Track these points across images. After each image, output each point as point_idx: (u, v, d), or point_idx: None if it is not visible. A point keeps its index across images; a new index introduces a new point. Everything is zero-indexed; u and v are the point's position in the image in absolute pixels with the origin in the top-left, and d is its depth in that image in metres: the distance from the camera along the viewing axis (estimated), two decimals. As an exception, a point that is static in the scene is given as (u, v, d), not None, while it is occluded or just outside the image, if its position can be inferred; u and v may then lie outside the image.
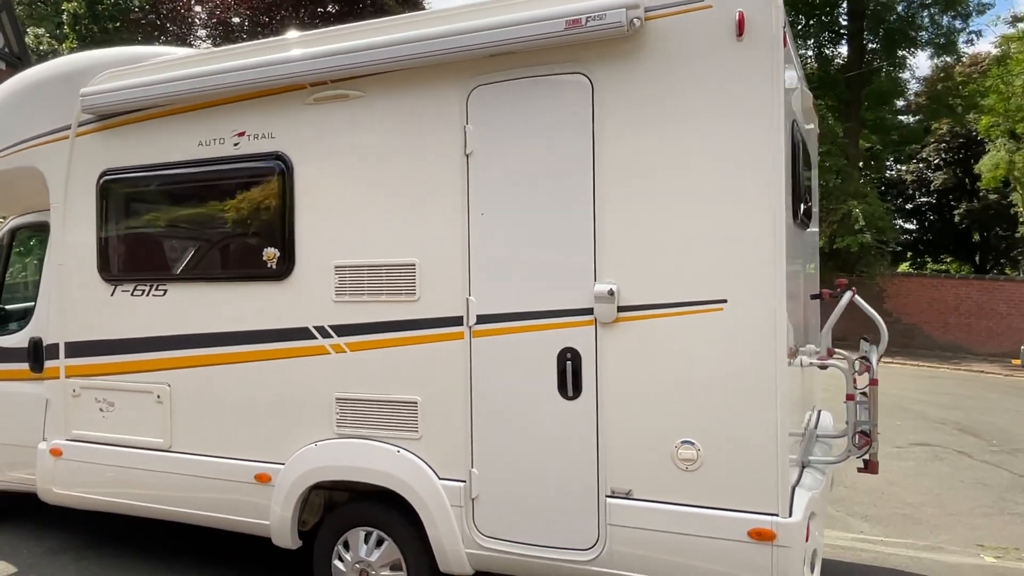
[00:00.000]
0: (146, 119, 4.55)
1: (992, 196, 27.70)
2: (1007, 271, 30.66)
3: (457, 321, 3.72)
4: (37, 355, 5.09)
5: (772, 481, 3.15)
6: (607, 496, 3.42)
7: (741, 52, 3.17)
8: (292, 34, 4.27)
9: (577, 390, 3.46)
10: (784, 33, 3.19)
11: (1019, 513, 6.30)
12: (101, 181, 4.67)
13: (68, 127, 4.79)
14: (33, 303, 5.43)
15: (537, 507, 3.57)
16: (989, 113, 21.60)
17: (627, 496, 3.39)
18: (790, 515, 3.16)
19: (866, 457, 3.71)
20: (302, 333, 4.09)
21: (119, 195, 4.67)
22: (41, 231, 5.44)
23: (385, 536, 3.95)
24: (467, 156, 3.68)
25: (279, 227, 4.15)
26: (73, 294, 4.80)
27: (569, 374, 3.47)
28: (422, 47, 3.67)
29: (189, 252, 4.52)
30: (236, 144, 4.26)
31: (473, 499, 3.68)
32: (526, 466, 3.59)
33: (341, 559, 4.05)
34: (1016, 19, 21.74)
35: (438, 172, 3.75)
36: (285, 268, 4.12)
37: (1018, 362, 17.40)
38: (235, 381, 4.27)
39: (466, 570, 3.74)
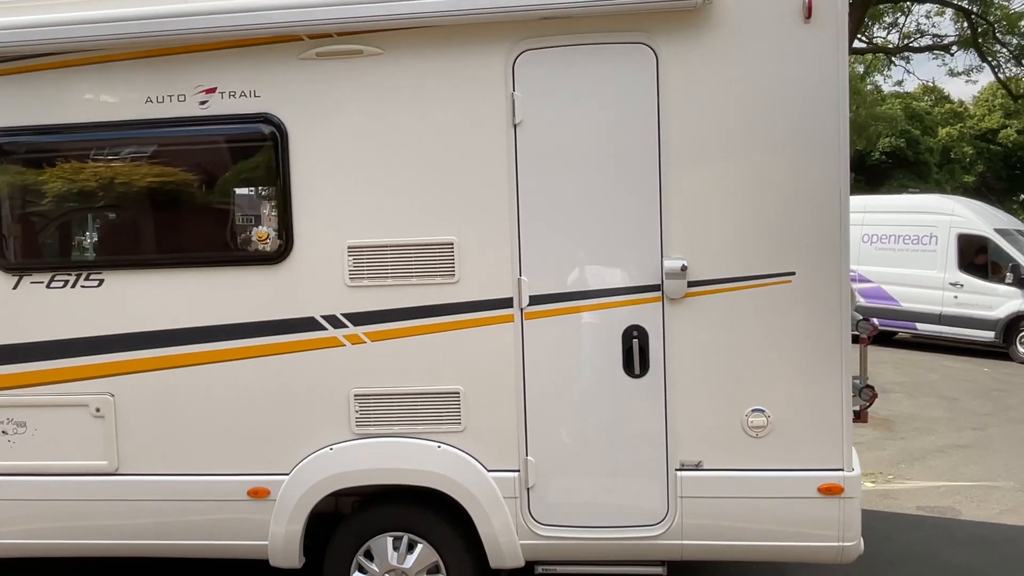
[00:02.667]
0: (53, 67, 3.63)
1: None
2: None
3: (505, 303, 3.48)
4: None
5: (838, 439, 3.39)
6: (676, 470, 3.45)
7: (808, 33, 3.28)
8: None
9: (644, 367, 3.43)
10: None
11: (862, 443, 7.37)
12: (-10, 144, 3.67)
13: (-72, 72, 3.67)
14: None
15: (600, 488, 3.50)
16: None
17: (697, 467, 3.45)
18: (853, 469, 3.42)
19: (856, 408, 4.10)
20: (306, 324, 3.58)
21: (22, 161, 3.70)
22: None
23: (418, 539, 3.63)
24: (515, 126, 3.42)
25: (273, 203, 3.57)
26: (-53, 289, 3.74)
27: (636, 352, 3.42)
28: (464, 3, 3.33)
29: (136, 234, 3.73)
30: (204, 103, 3.57)
31: (529, 488, 3.51)
32: (587, 448, 3.49)
33: (363, 570, 3.66)
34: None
35: (480, 142, 3.45)
36: (281, 250, 3.56)
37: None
38: (212, 385, 3.63)
39: (519, 563, 3.57)
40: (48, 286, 3.68)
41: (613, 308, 3.44)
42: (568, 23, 3.37)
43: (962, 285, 12.72)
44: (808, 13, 3.26)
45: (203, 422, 3.65)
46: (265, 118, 3.53)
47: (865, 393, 3.92)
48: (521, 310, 3.47)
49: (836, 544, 3.41)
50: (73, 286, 3.67)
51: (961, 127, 34.43)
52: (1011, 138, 33.57)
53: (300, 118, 3.52)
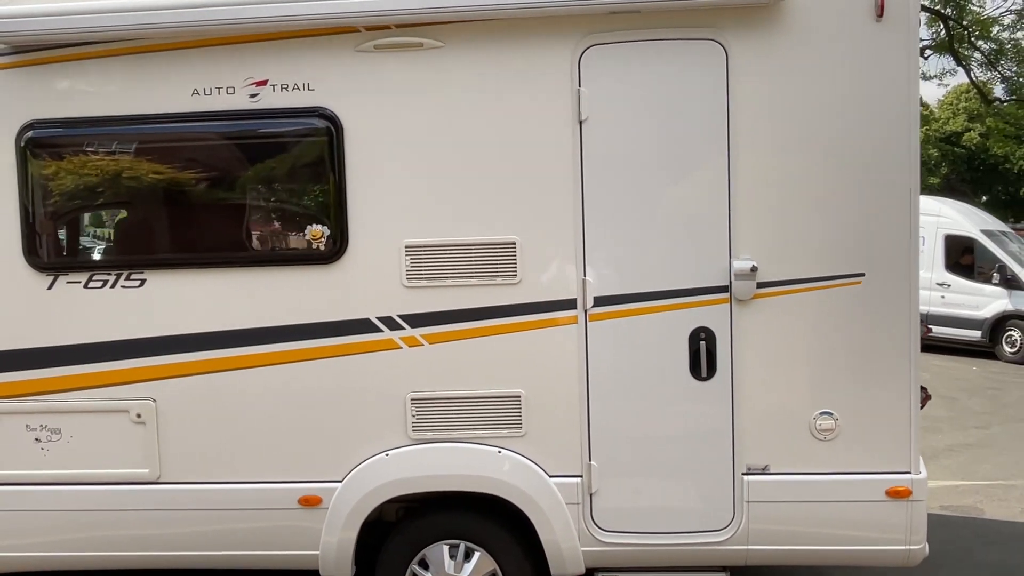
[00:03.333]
0: (94, 56, 3.46)
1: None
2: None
3: (569, 304, 3.40)
4: None
5: (906, 441, 3.36)
6: (743, 474, 3.39)
7: (880, 32, 3.24)
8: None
9: (712, 370, 3.36)
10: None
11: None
12: (25, 137, 3.48)
13: (-44, 60, 3.48)
14: None
15: (663, 494, 3.44)
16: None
17: (763, 471, 3.39)
18: (920, 472, 3.40)
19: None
20: (360, 326, 3.45)
21: (59, 155, 3.52)
22: None
23: (475, 547, 3.53)
24: (581, 123, 3.34)
25: (327, 201, 3.44)
26: (-24, 289, 3.55)
27: (703, 354, 3.35)
28: (528, -4, 3.23)
29: (181, 232, 3.57)
30: (254, 96, 3.42)
31: (592, 494, 3.43)
32: (652, 453, 3.42)
33: (418, 580, 3.56)
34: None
35: (543, 139, 3.36)
36: (335, 250, 3.43)
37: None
38: (260, 389, 3.49)
39: (580, 570, 3.49)
40: (86, 286, 3.51)
41: (680, 310, 3.37)
42: (636, 18, 3.29)
43: (949, 285, 12.90)
44: (880, 12, 3.22)
45: (251, 428, 3.51)
46: (319, 112, 3.40)
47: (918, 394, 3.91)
48: (585, 311, 3.39)
49: (903, 548, 3.38)
50: (113, 286, 3.51)
51: (926, 130, 35.10)
52: (974, 141, 34.29)
53: (356, 112, 3.39)
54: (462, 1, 3.25)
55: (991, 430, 7.99)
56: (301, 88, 3.41)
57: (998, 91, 24.88)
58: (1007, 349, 12.46)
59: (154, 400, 3.52)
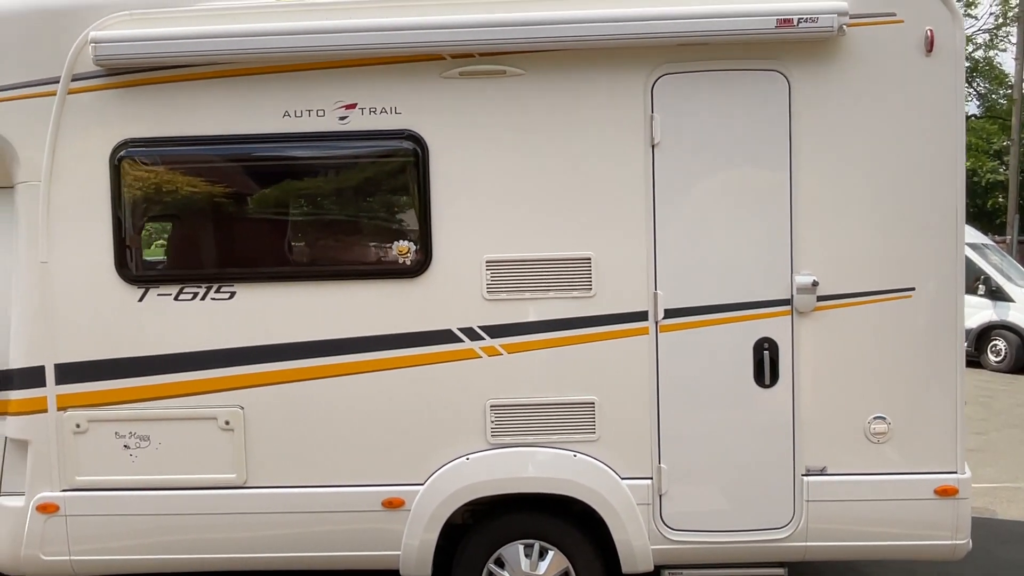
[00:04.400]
0: (188, 79, 3.63)
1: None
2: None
3: (640, 316, 3.61)
4: (-16, 383, 3.82)
5: (953, 443, 3.61)
6: (802, 475, 3.63)
7: (930, 66, 3.52)
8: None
9: (774, 378, 3.60)
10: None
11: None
12: (120, 154, 3.63)
13: (54, 80, 3.62)
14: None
15: (728, 494, 3.66)
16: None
17: (821, 472, 3.63)
18: (965, 472, 3.65)
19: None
20: (443, 336, 3.64)
21: (151, 172, 3.67)
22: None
23: (549, 546, 3.73)
24: (653, 146, 3.57)
25: (412, 217, 3.63)
26: (69, 301, 3.68)
27: (767, 363, 3.59)
28: (608, 28, 3.46)
29: (271, 247, 3.74)
30: (343, 119, 3.61)
31: (661, 495, 3.64)
32: (718, 456, 3.64)
33: (495, 578, 3.74)
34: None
35: (618, 161, 3.59)
36: (420, 264, 3.62)
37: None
38: (346, 396, 3.66)
39: (650, 567, 3.70)
40: (176, 298, 3.66)
41: (745, 321, 3.60)
42: (705, 50, 3.53)
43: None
44: (930, 47, 3.50)
45: (336, 434, 3.68)
46: (406, 134, 3.59)
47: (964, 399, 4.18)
48: (656, 323, 3.61)
49: (949, 543, 3.63)
50: (203, 299, 3.66)
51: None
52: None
53: (441, 134, 3.59)
54: (543, 32, 3.47)
55: (988, 436, 8.33)
56: (389, 111, 3.60)
57: (972, 108, 25.65)
58: (992, 358, 12.90)
59: (242, 408, 3.67)
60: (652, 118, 3.56)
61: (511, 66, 3.56)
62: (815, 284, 3.54)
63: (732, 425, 3.64)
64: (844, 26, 3.44)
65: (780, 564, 3.75)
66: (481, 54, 3.55)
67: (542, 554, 3.73)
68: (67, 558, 3.74)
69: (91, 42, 3.51)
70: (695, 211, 3.60)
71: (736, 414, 3.63)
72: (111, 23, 3.57)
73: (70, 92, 3.62)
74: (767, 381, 3.60)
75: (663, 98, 3.56)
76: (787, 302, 3.58)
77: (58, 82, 3.61)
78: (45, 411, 3.70)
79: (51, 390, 3.69)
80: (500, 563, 3.74)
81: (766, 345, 3.59)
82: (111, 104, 3.63)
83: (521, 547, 3.73)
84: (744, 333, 3.61)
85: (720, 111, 3.57)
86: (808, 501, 3.62)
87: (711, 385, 3.63)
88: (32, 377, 3.70)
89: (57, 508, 3.70)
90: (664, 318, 3.61)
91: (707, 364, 3.63)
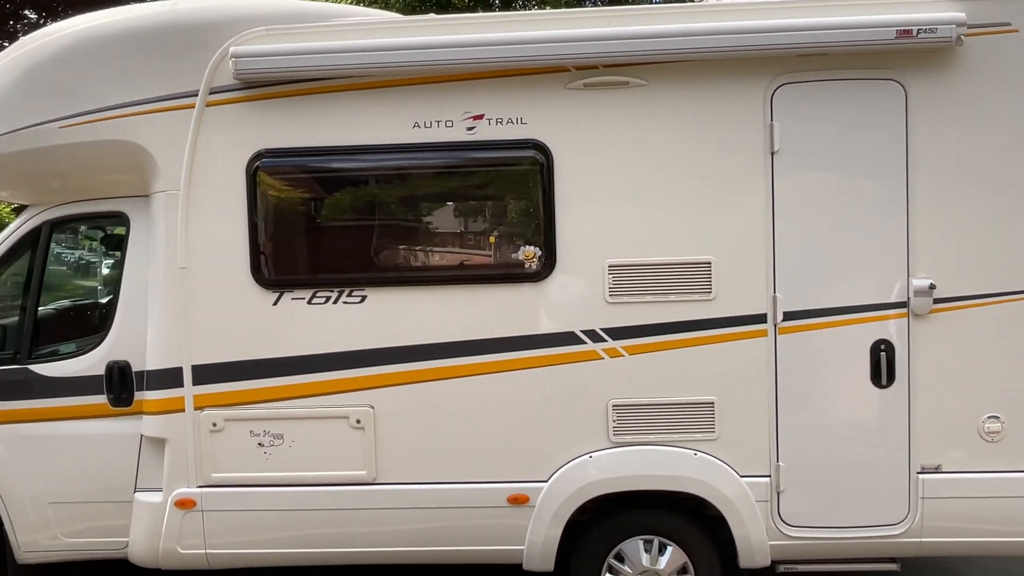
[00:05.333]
0: (322, 91, 3.78)
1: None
2: None
3: (759, 319, 3.72)
4: (123, 384, 3.99)
5: (1064, 441, 3.71)
6: (918, 472, 3.72)
7: (1045, 72, 3.61)
8: (521, 11, 3.84)
9: (891, 378, 3.70)
10: None
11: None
12: (256, 164, 3.79)
13: (192, 94, 3.78)
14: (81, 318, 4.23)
15: (844, 491, 3.75)
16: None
17: (936, 470, 3.72)
18: (1076, 469, 3.74)
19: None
20: (566, 338, 3.77)
21: (286, 181, 3.83)
22: (93, 224, 4.26)
23: (668, 542, 3.84)
24: (772, 154, 3.68)
25: (537, 224, 3.76)
26: (206, 305, 3.84)
27: (883, 364, 3.69)
28: (730, 40, 3.58)
29: (400, 252, 3.88)
30: (471, 129, 3.75)
31: (779, 492, 3.75)
32: (834, 454, 3.74)
33: (615, 572, 3.85)
34: None
35: (737, 168, 3.70)
36: (544, 268, 3.75)
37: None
38: (473, 396, 3.80)
39: (767, 562, 3.80)
40: (309, 302, 3.81)
41: (862, 323, 3.70)
42: (824, 60, 3.64)
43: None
44: (1042, 55, 3.59)
45: (463, 432, 3.81)
46: (532, 143, 3.73)
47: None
48: (775, 325, 3.72)
49: (1061, 538, 3.72)
50: (335, 302, 3.81)
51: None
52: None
53: (566, 144, 3.72)
54: (666, 44, 3.60)
55: None
56: (515, 122, 3.73)
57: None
58: None
59: (372, 407, 3.82)
60: (772, 126, 3.67)
61: (634, 77, 3.69)
62: (932, 287, 3.64)
63: (849, 424, 3.74)
64: (962, 36, 3.54)
65: (892, 560, 3.85)
66: (605, 66, 3.68)
67: (661, 549, 3.85)
68: (203, 551, 3.90)
69: (231, 57, 3.67)
70: (813, 217, 3.70)
71: (853, 413, 3.73)
72: (248, 38, 3.73)
73: (208, 104, 3.78)
74: (883, 382, 3.70)
75: (782, 107, 3.67)
76: (903, 305, 3.68)
77: (196, 95, 3.77)
78: (182, 411, 3.86)
79: (188, 390, 3.85)
80: (620, 558, 3.86)
81: (883, 346, 3.69)
82: (247, 116, 3.79)
83: (641, 542, 3.85)
84: (861, 335, 3.71)
85: (838, 119, 3.67)
86: (923, 498, 3.71)
87: (828, 385, 3.74)
88: (170, 378, 3.87)
89: (194, 503, 3.86)
90: (783, 320, 3.71)
91: (825, 365, 3.73)
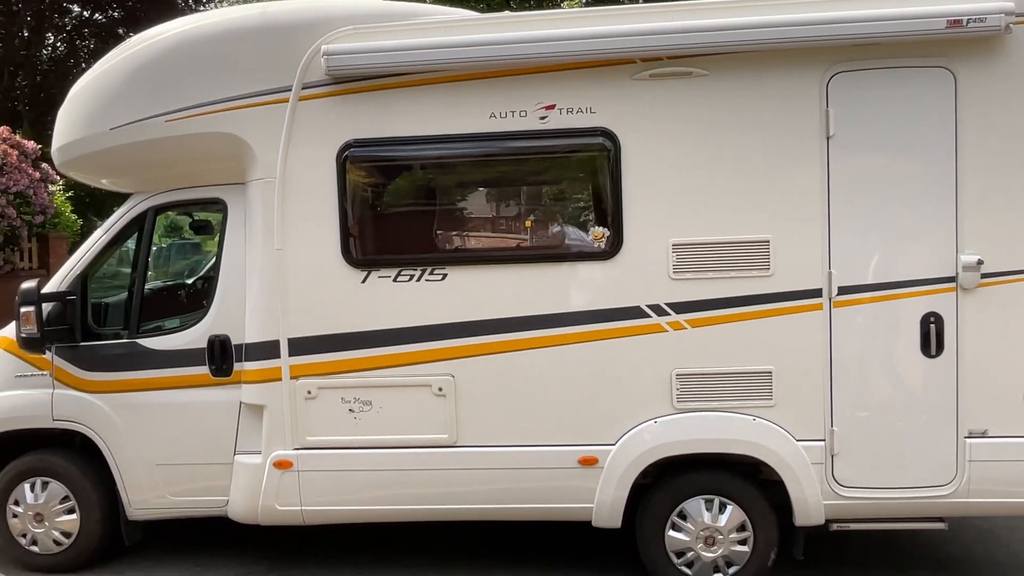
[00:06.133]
0: (406, 85, 4.09)
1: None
2: None
3: (815, 293, 3.97)
4: (224, 356, 4.36)
5: (1108, 407, 3.92)
6: (965, 437, 3.96)
7: (1089, 58, 3.80)
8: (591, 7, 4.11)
9: (939, 348, 3.93)
10: None
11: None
12: (345, 153, 4.12)
13: (286, 89, 4.12)
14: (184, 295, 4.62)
15: (895, 454, 4.00)
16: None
17: (983, 435, 3.96)
18: (1113, 432, 3.95)
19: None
20: (632, 312, 4.06)
21: (372, 169, 4.16)
22: (195, 210, 4.62)
23: (728, 501, 4.13)
24: (828, 138, 3.92)
25: (605, 206, 4.05)
26: (300, 283, 4.19)
27: (933, 335, 3.92)
28: (788, 32, 3.81)
29: (477, 233, 4.19)
30: (543, 118, 4.04)
31: (833, 455, 4.01)
32: (886, 419, 3.99)
33: (678, 529, 4.15)
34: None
35: (794, 152, 3.95)
36: (612, 248, 4.04)
37: None
38: (546, 366, 4.10)
39: (821, 521, 4.06)
40: (395, 280, 4.14)
41: (913, 297, 3.94)
42: (877, 49, 3.87)
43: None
44: (1090, 41, 3.78)
45: (536, 399, 4.13)
46: (601, 131, 4.01)
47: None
48: (830, 299, 3.97)
49: (1103, 500, 3.95)
50: (418, 280, 4.13)
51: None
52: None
53: (632, 131, 4.00)
54: (729, 37, 3.85)
55: None
56: (584, 111, 4.02)
57: None
58: None
59: (453, 376, 4.14)
60: (827, 113, 3.91)
61: (697, 67, 3.95)
62: (980, 263, 3.86)
63: (899, 391, 3.99)
64: (1010, 24, 3.74)
65: (940, 519, 4.10)
66: (669, 57, 3.94)
67: (722, 508, 4.13)
68: (299, 508, 4.27)
69: (324, 54, 3.99)
70: (866, 197, 3.94)
71: (903, 381, 3.98)
72: (338, 37, 4.05)
73: (301, 99, 4.12)
74: (933, 352, 3.93)
75: (837, 94, 3.91)
76: (952, 279, 3.91)
77: (290, 90, 4.11)
78: (279, 380, 4.22)
79: (285, 361, 4.21)
80: (682, 516, 4.16)
81: (932, 319, 3.93)
82: (337, 109, 4.12)
83: (703, 502, 4.14)
84: (912, 308, 3.94)
85: (891, 105, 3.90)
86: (970, 461, 3.95)
87: (880, 355, 3.99)
88: (268, 350, 4.23)
89: (291, 464, 4.23)
90: (837, 294, 3.96)
91: (877, 336, 3.98)
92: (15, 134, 16.08)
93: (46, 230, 17.00)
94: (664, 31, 3.88)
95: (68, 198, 19.39)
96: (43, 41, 25.18)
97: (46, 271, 17.09)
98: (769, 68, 3.93)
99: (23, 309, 4.21)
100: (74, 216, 19.78)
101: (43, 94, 25.13)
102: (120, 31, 26.58)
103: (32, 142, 16.55)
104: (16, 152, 15.38)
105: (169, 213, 5.11)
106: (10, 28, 23.43)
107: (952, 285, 3.92)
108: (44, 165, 16.68)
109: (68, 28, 25.27)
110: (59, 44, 26.20)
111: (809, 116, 3.93)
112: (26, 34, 24.18)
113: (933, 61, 3.87)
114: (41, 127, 24.62)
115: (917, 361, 3.96)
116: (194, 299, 4.96)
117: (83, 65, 27.24)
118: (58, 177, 18.02)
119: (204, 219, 5.42)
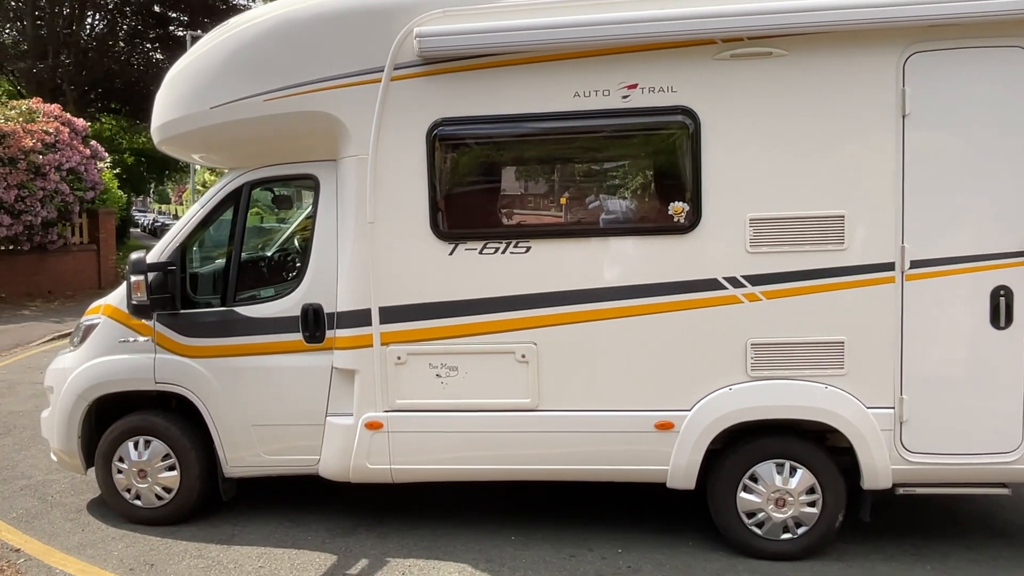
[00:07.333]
0: (493, 66, 4.27)
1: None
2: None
3: (888, 267, 4.13)
4: (316, 324, 4.61)
5: None
6: (1031, 405, 4.12)
7: None
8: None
9: (1008, 320, 4.08)
10: None
11: None
12: (435, 131, 4.32)
13: (379, 69, 4.32)
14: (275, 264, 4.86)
15: (962, 422, 4.16)
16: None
17: (1049, 404, 4.12)
18: None
19: None
20: (709, 284, 4.24)
21: (460, 147, 4.36)
22: (287, 185, 4.84)
23: (798, 465, 4.32)
24: (904, 116, 4.05)
25: (684, 182, 4.22)
26: (391, 255, 4.42)
27: (1003, 307, 4.07)
28: (868, 13, 3.93)
29: (561, 208, 4.39)
30: (625, 97, 4.21)
31: (902, 422, 4.19)
32: (954, 388, 4.15)
33: (749, 491, 4.36)
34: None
35: (870, 130, 4.08)
36: (691, 222, 4.21)
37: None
38: (625, 335, 4.30)
39: (888, 485, 4.25)
40: (481, 252, 4.36)
41: (983, 271, 4.08)
42: (953, 29, 3.98)
43: None
44: None
45: (615, 366, 4.34)
46: (682, 110, 4.17)
47: None
48: (902, 273, 4.12)
49: None
50: (503, 252, 4.34)
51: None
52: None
53: (712, 109, 4.15)
54: (807, 18, 3.98)
55: None
56: (666, 90, 4.18)
57: None
58: None
59: (535, 344, 4.36)
60: (904, 92, 4.04)
61: (777, 48, 4.09)
62: (1051, 238, 3.99)
63: (968, 361, 4.14)
64: (1089, 5, 3.84)
65: (1003, 485, 4.26)
66: (750, 38, 4.09)
67: (792, 472, 4.33)
68: (388, 467, 4.53)
69: (416, 36, 4.18)
70: (940, 174, 4.07)
71: (972, 352, 4.13)
72: (428, 19, 4.23)
73: (392, 79, 4.32)
74: (1002, 323, 4.08)
75: (914, 74, 4.04)
76: (1022, 254, 4.05)
77: (383, 71, 4.31)
78: (370, 346, 4.47)
79: (376, 329, 4.45)
80: (754, 479, 4.36)
81: (1002, 292, 4.07)
82: (426, 88, 4.31)
83: (774, 465, 4.34)
84: (982, 281, 4.09)
85: (965, 84, 4.02)
86: (1036, 429, 4.11)
87: (950, 326, 4.14)
88: (359, 318, 4.47)
89: (381, 425, 4.49)
90: (910, 268, 4.11)
91: (947, 308, 4.12)
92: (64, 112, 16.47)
93: (95, 206, 17.47)
94: (746, 12, 4.01)
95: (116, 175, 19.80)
96: (84, 19, 25.60)
97: (96, 246, 17.63)
98: (847, 48, 4.06)
99: (133, 278, 4.48)
100: (120, 192, 20.22)
101: (84, 72, 25.62)
102: (158, 9, 26.95)
103: (81, 120, 16.97)
104: (68, 129, 15.81)
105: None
106: (53, 8, 23.86)
107: (1022, 259, 4.05)
108: (93, 142, 17.10)
109: (109, 6, 25.66)
110: (99, 23, 26.61)
111: (886, 95, 4.06)
112: (68, 11, 24.59)
113: (1007, 41, 3.97)
114: (84, 104, 25.12)
115: (986, 333, 4.10)
116: (288, 270, 5.21)
117: (122, 44, 27.72)
118: (106, 154, 18.51)
119: (285, 193, 5.66)
